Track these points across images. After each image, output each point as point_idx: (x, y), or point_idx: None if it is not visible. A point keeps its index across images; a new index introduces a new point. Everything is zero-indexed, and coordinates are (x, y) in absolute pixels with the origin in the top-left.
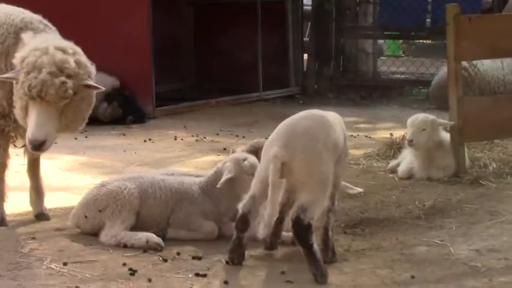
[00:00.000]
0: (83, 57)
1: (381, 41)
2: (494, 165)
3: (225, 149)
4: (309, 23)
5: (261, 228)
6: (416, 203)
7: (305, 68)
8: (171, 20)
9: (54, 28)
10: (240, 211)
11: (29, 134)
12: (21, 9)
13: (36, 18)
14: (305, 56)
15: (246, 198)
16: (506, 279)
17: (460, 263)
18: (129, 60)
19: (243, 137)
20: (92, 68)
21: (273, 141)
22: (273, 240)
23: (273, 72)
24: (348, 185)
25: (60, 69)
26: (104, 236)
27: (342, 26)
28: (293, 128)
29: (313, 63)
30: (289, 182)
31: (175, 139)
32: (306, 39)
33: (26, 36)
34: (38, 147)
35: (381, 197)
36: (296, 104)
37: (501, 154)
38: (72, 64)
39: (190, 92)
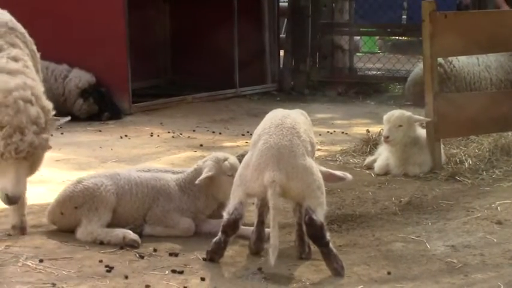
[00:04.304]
0: (38, 91)
1: (357, 38)
2: (470, 162)
3: (201, 145)
4: (285, 20)
5: (270, 258)
6: (393, 199)
7: (281, 65)
8: (147, 16)
9: (22, 30)
10: (231, 216)
11: (7, 190)
12: None
13: (2, 20)
14: (281, 52)
15: (234, 204)
16: (481, 276)
17: (436, 259)
18: (105, 57)
19: (220, 133)
20: (46, 100)
21: (259, 165)
22: (258, 245)
23: (249, 68)
24: (335, 173)
25: (37, 124)
26: (80, 233)
27: (318, 23)
28: (278, 150)
29: (290, 59)
30: (289, 198)
31: (152, 135)
32: (282, 35)
33: None
34: (14, 202)
35: (358, 193)
36: (273, 101)
37: (477, 150)
38: (42, 115)
39: (167, 89)
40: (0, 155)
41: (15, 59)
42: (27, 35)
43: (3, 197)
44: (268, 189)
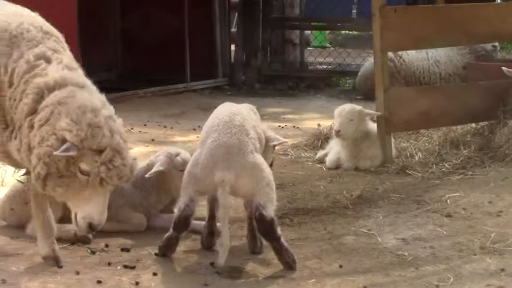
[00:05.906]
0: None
1: (307, 32)
2: (420, 155)
3: (153, 140)
4: (236, 14)
5: (221, 256)
6: (344, 192)
7: (232, 59)
8: (97, 9)
9: (57, 34)
10: (182, 213)
11: (93, 219)
12: (21, 12)
13: (36, 24)
14: (232, 46)
15: (185, 201)
16: (432, 268)
17: (387, 252)
18: None
19: (171, 128)
20: None
21: (208, 164)
22: (210, 240)
23: (200, 62)
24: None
25: (126, 143)
26: (31, 229)
27: (269, 17)
28: (227, 149)
29: (241, 54)
30: (239, 196)
31: None
32: (233, 29)
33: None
34: (95, 230)
35: (309, 187)
36: (224, 95)
37: (426, 144)
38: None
39: (117, 83)
40: (99, 182)
41: (69, 68)
42: (62, 38)
43: (85, 225)
44: (218, 188)
